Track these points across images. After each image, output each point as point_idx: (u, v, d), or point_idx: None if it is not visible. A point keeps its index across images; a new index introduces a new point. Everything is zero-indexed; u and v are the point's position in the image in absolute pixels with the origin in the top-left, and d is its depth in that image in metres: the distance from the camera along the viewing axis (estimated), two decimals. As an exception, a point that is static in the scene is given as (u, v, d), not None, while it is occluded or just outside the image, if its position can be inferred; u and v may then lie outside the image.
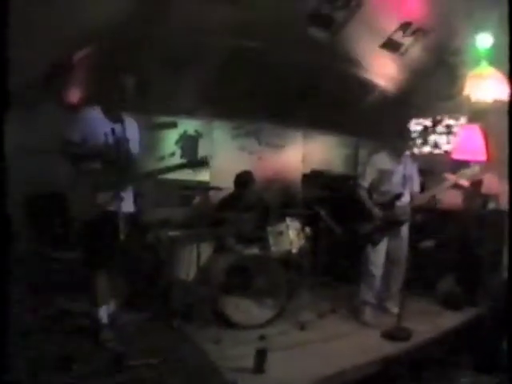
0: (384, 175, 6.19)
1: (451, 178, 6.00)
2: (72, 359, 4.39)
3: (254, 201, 7.13)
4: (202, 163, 5.02)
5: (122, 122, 4.67)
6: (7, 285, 3.66)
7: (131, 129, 4.88)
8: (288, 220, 6.43)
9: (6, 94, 3.62)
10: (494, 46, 6.53)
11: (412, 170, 6.22)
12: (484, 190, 6.97)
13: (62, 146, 4.70)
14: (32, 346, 4.68)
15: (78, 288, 5.75)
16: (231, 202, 7.02)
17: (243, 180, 7.14)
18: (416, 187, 6.28)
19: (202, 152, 8.72)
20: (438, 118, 8.14)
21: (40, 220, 6.80)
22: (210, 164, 7.85)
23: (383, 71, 8.25)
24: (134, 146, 4.99)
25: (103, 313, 4.96)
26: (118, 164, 4.59)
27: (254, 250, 6.40)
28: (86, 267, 5.00)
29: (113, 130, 4.65)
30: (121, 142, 4.63)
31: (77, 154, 4.66)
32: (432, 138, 8.28)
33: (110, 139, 4.64)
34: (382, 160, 6.25)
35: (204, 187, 7.40)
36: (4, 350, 3.56)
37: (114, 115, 4.77)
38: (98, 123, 4.72)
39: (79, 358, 4.47)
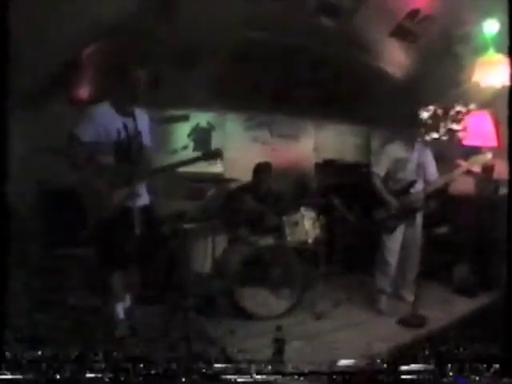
0: (399, 163, 6.20)
1: (464, 164, 6.02)
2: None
3: (267, 191, 7.13)
4: (216, 155, 5.03)
5: (132, 115, 4.70)
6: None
7: (142, 122, 4.88)
8: (303, 210, 6.43)
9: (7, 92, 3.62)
10: (501, 32, 6.50)
11: (425, 157, 6.22)
12: (495, 175, 6.97)
13: (66, 144, 4.69)
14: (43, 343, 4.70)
15: (92, 285, 5.83)
16: (246, 191, 7.05)
17: (261, 169, 7.15)
18: (432, 174, 6.29)
19: (214, 144, 8.74)
20: (449, 104, 8.11)
21: (53, 217, 6.86)
22: (223, 156, 7.95)
23: (393, 59, 8.22)
24: (146, 139, 5.01)
25: (120, 309, 4.99)
26: (131, 159, 4.61)
27: (270, 241, 6.40)
28: (103, 267, 5.03)
29: (125, 126, 4.69)
30: (133, 137, 4.67)
31: (80, 152, 4.67)
32: (442, 124, 8.25)
33: (123, 135, 4.67)
34: (397, 149, 6.27)
35: (217, 179, 7.41)
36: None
37: (124, 110, 4.77)
38: (110, 119, 4.69)
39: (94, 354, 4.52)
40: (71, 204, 4.96)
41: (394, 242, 6.21)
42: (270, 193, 7.14)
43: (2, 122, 3.63)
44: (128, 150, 4.64)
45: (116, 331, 4.92)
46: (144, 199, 4.89)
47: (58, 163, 5.41)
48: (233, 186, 7.15)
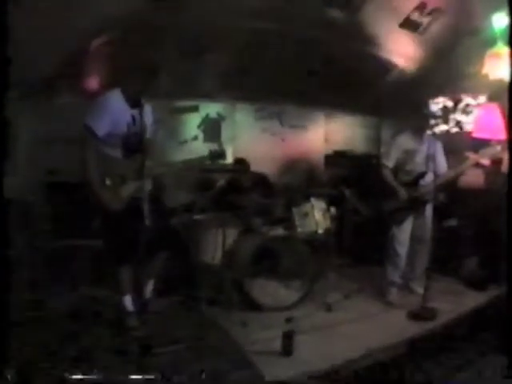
0: (408, 155, 6.20)
1: (473, 157, 6.02)
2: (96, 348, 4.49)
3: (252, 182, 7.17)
4: (220, 155, 5.06)
5: (140, 107, 4.71)
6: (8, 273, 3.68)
7: (147, 114, 4.88)
8: (313, 200, 6.41)
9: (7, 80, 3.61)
10: (510, 25, 6.50)
11: (435, 149, 6.21)
12: (504, 168, 6.96)
13: (84, 136, 4.65)
14: (54, 335, 4.73)
15: (103, 276, 5.84)
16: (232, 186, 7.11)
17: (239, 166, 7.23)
18: (441, 166, 6.27)
19: (224, 135, 8.77)
20: (458, 97, 8.10)
21: (62, 208, 6.88)
22: (233, 146, 8.00)
23: (403, 51, 8.21)
24: (154, 131, 5.04)
25: (128, 301, 4.98)
26: (139, 152, 4.62)
27: (280, 232, 6.39)
28: (112, 262, 5.04)
29: (133, 118, 4.69)
30: (142, 131, 4.67)
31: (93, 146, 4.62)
32: (452, 117, 8.24)
33: (132, 128, 4.67)
34: (406, 140, 6.26)
35: (227, 170, 7.42)
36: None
37: (134, 100, 4.73)
38: (121, 112, 4.65)
39: (104, 346, 4.55)
40: (80, 196, 4.95)
41: (403, 234, 6.21)
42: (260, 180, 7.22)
43: (8, 113, 3.62)
44: (137, 143, 4.65)
45: (126, 322, 4.94)
46: (148, 187, 4.87)
47: (67, 154, 5.43)
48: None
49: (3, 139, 3.63)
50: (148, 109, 4.95)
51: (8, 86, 3.51)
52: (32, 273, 5.90)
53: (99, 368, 4.05)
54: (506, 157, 6.51)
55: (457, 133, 8.12)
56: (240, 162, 7.35)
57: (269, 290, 5.84)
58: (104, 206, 4.58)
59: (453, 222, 7.29)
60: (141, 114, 4.66)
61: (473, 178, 7.05)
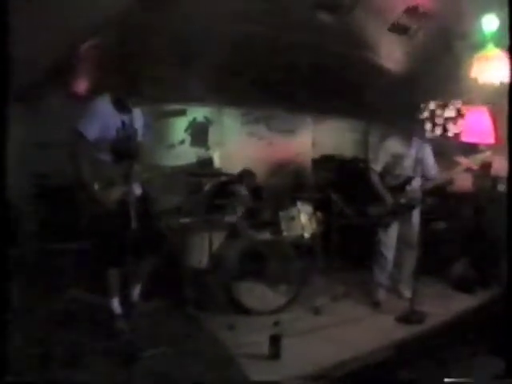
0: (396, 159, 6.19)
1: (464, 162, 6.01)
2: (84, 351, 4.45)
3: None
4: (208, 163, 5.06)
5: (129, 112, 4.68)
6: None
7: (137, 118, 4.87)
8: (299, 204, 6.42)
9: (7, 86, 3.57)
10: (500, 28, 6.48)
11: (424, 153, 6.20)
12: (493, 172, 6.96)
13: (75, 141, 4.61)
14: (43, 339, 4.68)
15: (90, 278, 5.80)
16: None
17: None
18: (431, 170, 6.27)
19: (211, 139, 8.75)
20: (447, 100, 8.10)
21: (50, 211, 6.85)
22: (220, 150, 7.96)
23: (392, 54, 8.21)
24: (142, 136, 5.01)
25: (116, 304, 4.98)
26: (128, 157, 4.58)
27: (266, 235, 6.38)
28: (100, 265, 5.00)
29: (123, 123, 4.67)
30: (131, 136, 4.64)
31: (84, 150, 4.59)
32: (441, 120, 8.24)
33: (121, 133, 4.65)
34: (395, 144, 6.25)
35: (214, 174, 7.40)
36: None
37: (123, 105, 4.73)
38: (110, 117, 4.64)
39: (92, 349, 4.51)
40: (68, 199, 4.92)
41: (389, 238, 6.23)
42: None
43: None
44: (126, 148, 4.61)
45: (114, 325, 4.91)
46: (137, 191, 4.84)
47: (56, 158, 5.38)
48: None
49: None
50: (137, 112, 4.95)
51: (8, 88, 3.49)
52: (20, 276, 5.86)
53: (87, 371, 4.05)
54: (495, 161, 6.54)
55: (445, 136, 8.12)
56: (247, 174, 7.37)
57: (256, 294, 5.80)
58: (95, 208, 4.57)
59: (441, 225, 7.29)
60: (130, 118, 4.63)
61: (461, 181, 7.07)
